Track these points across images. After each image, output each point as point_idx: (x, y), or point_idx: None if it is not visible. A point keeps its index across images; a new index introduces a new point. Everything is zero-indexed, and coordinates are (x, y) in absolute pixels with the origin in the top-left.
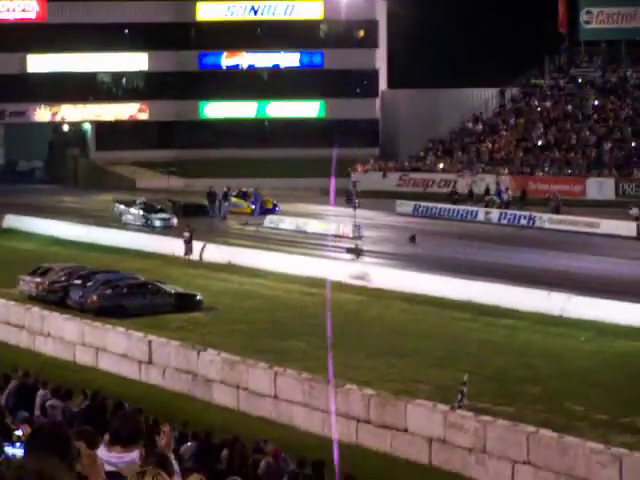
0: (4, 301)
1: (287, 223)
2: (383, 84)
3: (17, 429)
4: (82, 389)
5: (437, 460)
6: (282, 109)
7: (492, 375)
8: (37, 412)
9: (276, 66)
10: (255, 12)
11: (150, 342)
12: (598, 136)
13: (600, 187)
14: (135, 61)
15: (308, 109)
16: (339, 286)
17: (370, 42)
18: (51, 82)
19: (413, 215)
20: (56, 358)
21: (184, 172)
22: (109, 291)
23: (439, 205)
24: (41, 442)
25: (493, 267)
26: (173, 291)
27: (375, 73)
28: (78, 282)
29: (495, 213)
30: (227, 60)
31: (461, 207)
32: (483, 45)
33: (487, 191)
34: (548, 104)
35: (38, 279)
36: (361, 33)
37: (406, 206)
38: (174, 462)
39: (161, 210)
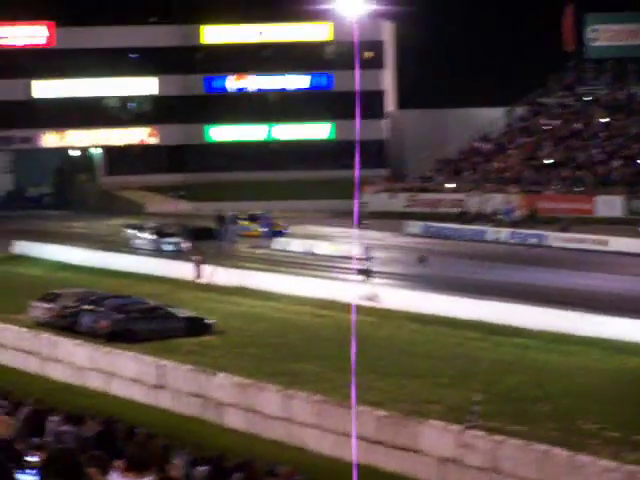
0: (15, 327)
1: (296, 245)
2: (391, 105)
3: (29, 455)
4: (93, 414)
5: None
6: (290, 131)
7: (504, 394)
8: (49, 438)
9: (284, 89)
10: (262, 34)
11: (161, 366)
12: (606, 154)
13: (609, 205)
14: (142, 85)
15: (316, 131)
16: (349, 307)
17: (377, 63)
18: (59, 108)
19: (422, 236)
20: (67, 384)
21: (193, 196)
22: (119, 316)
23: (448, 225)
24: (55, 469)
25: (503, 286)
26: (183, 315)
27: (382, 94)
28: (88, 307)
29: (504, 232)
30: (234, 83)
31: (470, 227)
32: (490, 64)
33: (496, 210)
34: (556, 122)
35: (48, 305)
36: (368, 54)
37: (415, 227)
38: None
39: (171, 234)
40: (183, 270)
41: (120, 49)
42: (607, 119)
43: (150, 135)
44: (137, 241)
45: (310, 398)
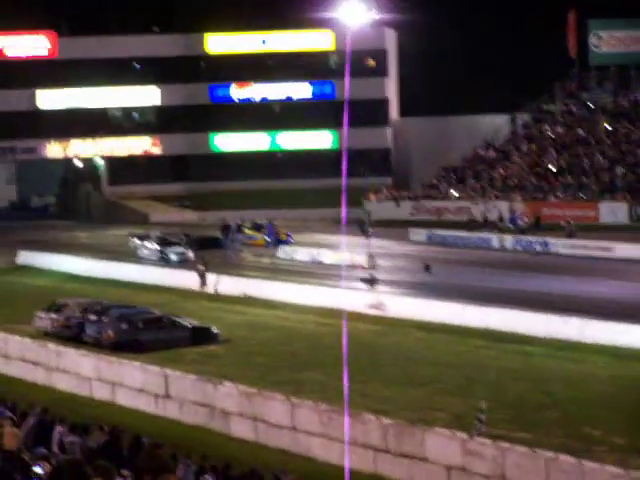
0: (20, 338)
1: (301, 254)
2: (394, 113)
3: (35, 465)
4: (99, 424)
5: None
6: (294, 140)
7: (510, 402)
8: (55, 448)
9: (288, 98)
10: (265, 43)
11: (166, 376)
12: (610, 160)
13: (613, 211)
14: (146, 95)
15: (320, 140)
16: (355, 316)
17: (380, 71)
18: (62, 118)
19: (427, 243)
20: (72, 394)
21: (197, 205)
22: (125, 326)
23: (453, 233)
24: None
25: (508, 294)
26: (189, 324)
27: (386, 102)
28: (93, 317)
29: (509, 240)
30: (238, 92)
31: (475, 234)
32: (493, 71)
33: (500, 218)
34: (560, 129)
35: (54, 315)
36: (371, 62)
37: (420, 234)
38: None
39: (176, 244)
40: (188, 280)
41: (124, 59)
42: (611, 126)
43: (154, 145)
44: (142, 251)
45: (316, 407)
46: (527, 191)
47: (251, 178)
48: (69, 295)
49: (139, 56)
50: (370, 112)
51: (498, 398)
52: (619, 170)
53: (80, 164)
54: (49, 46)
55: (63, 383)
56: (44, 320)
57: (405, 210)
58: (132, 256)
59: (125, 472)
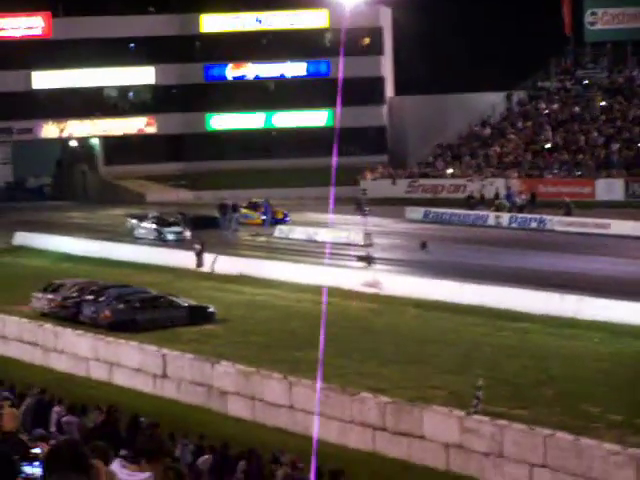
0: (17, 319)
1: (298, 233)
2: (390, 91)
3: (34, 447)
4: (97, 404)
5: (454, 466)
6: (289, 119)
7: (507, 379)
8: (53, 429)
9: (282, 76)
10: (260, 22)
11: (164, 355)
12: (606, 137)
13: (609, 188)
14: (141, 75)
15: (315, 118)
16: (351, 294)
17: (375, 49)
18: (57, 98)
19: (423, 221)
20: (70, 374)
21: (193, 184)
22: (121, 306)
23: (449, 211)
24: (60, 461)
25: (504, 271)
26: (185, 304)
27: (381, 80)
28: (90, 297)
29: (505, 217)
30: (233, 71)
31: (471, 212)
32: (489, 49)
33: (497, 195)
34: (555, 106)
35: (50, 295)
36: (366, 40)
37: (416, 212)
38: None
39: (174, 223)
40: (185, 259)
41: (119, 39)
42: (607, 102)
43: (149, 124)
44: (139, 231)
45: (313, 385)
46: (523, 168)
47: (247, 157)
48: (66, 275)
49: (134, 36)
50: (366, 90)
51: (495, 376)
52: (615, 146)
53: (76, 144)
54: (44, 26)
55: (61, 363)
56: (41, 301)
57: (401, 188)
58: (129, 236)
59: (125, 452)
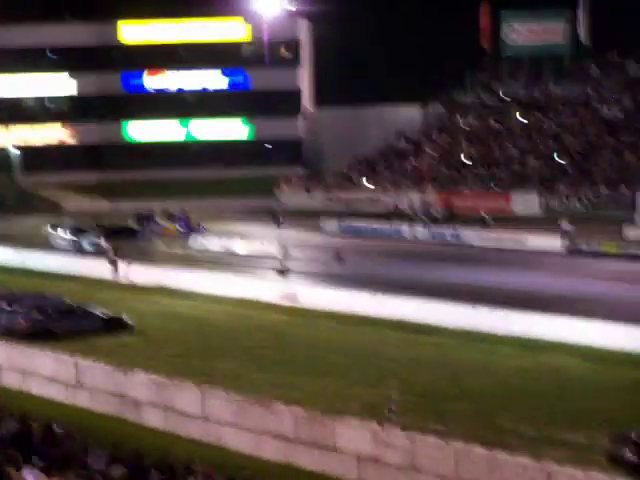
0: None
1: (214, 244)
2: (308, 103)
3: None
4: (9, 413)
5: (367, 478)
6: (207, 129)
7: (421, 392)
8: None
9: (203, 89)
10: (178, 32)
11: (77, 364)
12: (522, 151)
13: (526, 202)
14: (59, 84)
15: (233, 129)
16: (267, 306)
17: (293, 61)
18: None
19: (340, 234)
20: None
21: (111, 194)
22: (38, 315)
23: (365, 224)
24: None
25: (421, 284)
26: (101, 314)
27: (299, 92)
28: (6, 307)
29: (421, 230)
30: (151, 80)
31: (388, 225)
32: (407, 62)
33: (412, 209)
34: (472, 120)
35: None
36: (284, 52)
37: (333, 225)
38: None
39: (90, 233)
40: (101, 269)
41: (36, 48)
42: (523, 117)
43: (68, 134)
44: (57, 240)
45: (228, 396)
46: (439, 182)
47: (166, 167)
48: None
49: (52, 45)
50: (283, 102)
51: (410, 389)
52: (531, 161)
53: None
54: None
55: None
56: None
57: (318, 200)
58: (47, 246)
59: (37, 461)
